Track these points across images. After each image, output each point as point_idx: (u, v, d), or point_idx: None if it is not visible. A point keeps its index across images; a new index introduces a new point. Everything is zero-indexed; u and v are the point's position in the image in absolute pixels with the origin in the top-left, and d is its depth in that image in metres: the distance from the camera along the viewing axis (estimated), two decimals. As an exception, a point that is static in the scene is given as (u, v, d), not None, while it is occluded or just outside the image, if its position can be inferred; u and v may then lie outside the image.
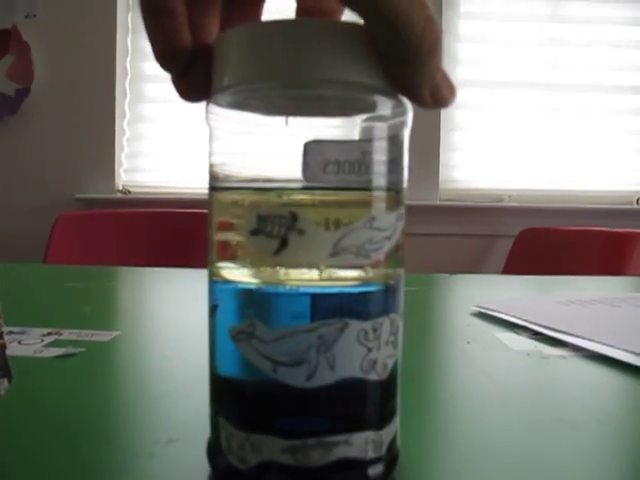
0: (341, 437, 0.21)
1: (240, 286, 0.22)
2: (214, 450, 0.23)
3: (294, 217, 0.20)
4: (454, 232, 1.84)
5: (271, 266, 0.21)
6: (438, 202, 1.84)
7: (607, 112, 1.91)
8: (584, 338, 0.44)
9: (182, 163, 1.90)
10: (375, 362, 0.22)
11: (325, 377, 0.21)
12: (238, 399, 0.23)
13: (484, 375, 0.37)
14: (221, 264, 0.23)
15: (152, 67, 1.92)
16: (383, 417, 0.23)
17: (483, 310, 0.56)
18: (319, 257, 0.21)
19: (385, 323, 0.22)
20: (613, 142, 1.92)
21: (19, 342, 0.43)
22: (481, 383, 0.36)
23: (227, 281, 0.23)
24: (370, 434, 0.22)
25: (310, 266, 0.21)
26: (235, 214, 0.22)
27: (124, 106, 1.96)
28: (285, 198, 0.21)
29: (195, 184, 1.87)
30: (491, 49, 1.89)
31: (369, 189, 0.22)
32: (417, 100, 0.22)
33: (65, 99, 1.93)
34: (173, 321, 0.54)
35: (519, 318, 0.51)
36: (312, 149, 0.21)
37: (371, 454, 0.22)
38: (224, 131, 0.23)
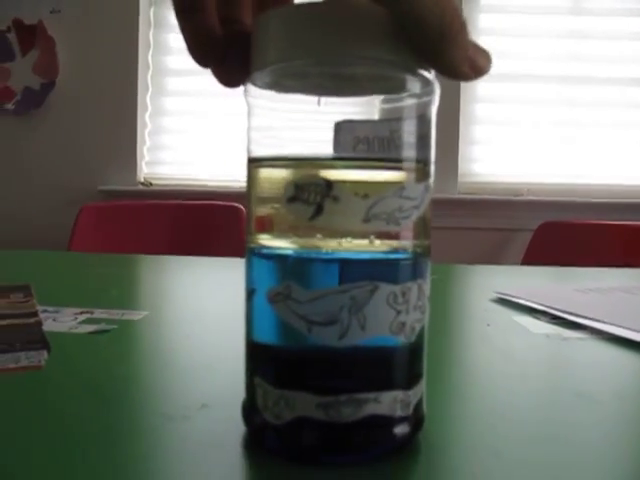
0: (371, 395, 0.22)
1: (277, 252, 0.23)
2: (249, 409, 0.25)
3: (329, 185, 0.22)
4: (473, 226, 1.84)
5: (307, 232, 0.22)
6: (457, 195, 1.84)
7: (628, 105, 1.89)
8: (602, 322, 0.45)
9: (203, 156, 1.92)
10: (404, 325, 0.23)
11: (356, 336, 0.22)
12: (274, 359, 0.24)
13: (503, 354, 0.38)
14: (259, 235, 0.24)
15: (174, 61, 1.95)
16: (411, 378, 0.24)
17: (502, 296, 0.57)
18: (352, 223, 0.22)
19: (413, 288, 0.23)
20: (634, 135, 1.90)
21: (54, 319, 0.45)
22: (501, 361, 0.37)
23: (264, 247, 0.24)
24: (398, 394, 0.23)
25: (344, 231, 0.22)
26: (273, 185, 0.23)
27: (146, 99, 1.98)
28: (321, 168, 0.22)
29: (216, 176, 1.89)
30: (511, 42, 1.88)
31: (399, 160, 0.23)
32: (459, 76, 0.23)
33: (88, 93, 1.96)
34: (200, 303, 0.55)
35: (538, 303, 0.52)
36: (343, 128, 0.22)
37: (399, 413, 0.23)
38: (261, 108, 0.24)
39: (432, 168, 0.24)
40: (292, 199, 0.22)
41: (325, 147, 0.23)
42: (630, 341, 0.41)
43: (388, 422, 0.23)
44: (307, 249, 0.23)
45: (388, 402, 0.23)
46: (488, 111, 1.90)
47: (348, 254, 0.23)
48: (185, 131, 1.96)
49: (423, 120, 0.24)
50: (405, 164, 0.23)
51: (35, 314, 0.47)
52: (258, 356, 0.25)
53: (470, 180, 1.89)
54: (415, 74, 0.23)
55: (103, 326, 0.43)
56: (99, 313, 0.47)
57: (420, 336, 0.24)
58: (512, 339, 0.42)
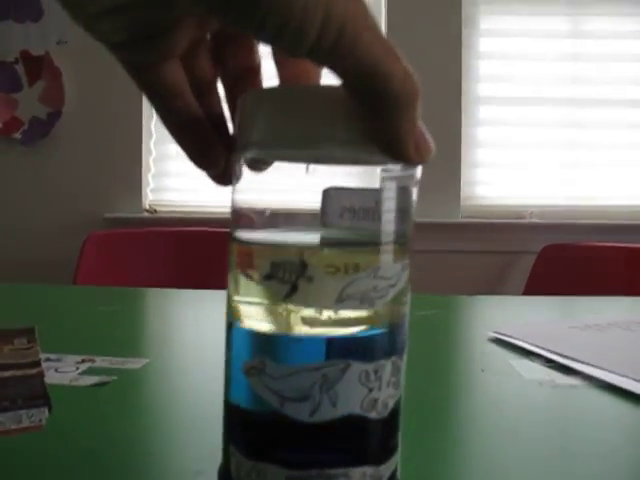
0: (340, 470, 0.23)
1: (253, 328, 0.24)
2: (224, 476, 0.25)
3: (304, 265, 0.22)
4: (476, 249, 1.85)
5: (282, 309, 0.23)
6: (460, 219, 1.85)
7: (629, 126, 1.90)
8: (596, 367, 0.45)
9: (207, 182, 1.94)
10: (376, 401, 0.23)
11: (327, 413, 0.22)
12: (247, 429, 0.24)
13: (495, 406, 0.39)
14: (237, 307, 0.25)
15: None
16: (383, 453, 0.24)
17: (500, 336, 0.57)
18: (326, 302, 0.22)
19: (387, 365, 0.23)
20: (637, 156, 1.91)
21: (56, 370, 0.46)
22: (491, 414, 0.37)
23: (242, 322, 0.24)
24: (368, 469, 0.23)
25: (317, 311, 0.22)
26: (251, 261, 0.24)
27: (151, 126, 2.01)
28: (297, 247, 0.23)
29: (220, 203, 1.91)
30: (511, 65, 1.90)
31: (376, 243, 0.23)
32: (402, 154, 0.22)
33: (94, 121, 1.98)
34: (201, 347, 0.56)
35: (533, 345, 0.53)
36: (330, 195, 0.23)
37: None
38: (247, 182, 0.25)
39: (411, 245, 0.25)
40: (268, 277, 0.23)
41: (308, 219, 0.24)
42: (622, 389, 0.41)
43: None
44: (282, 326, 0.23)
45: (357, 478, 0.23)
46: (490, 134, 1.91)
47: (322, 333, 0.23)
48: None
49: (404, 194, 0.24)
50: (382, 245, 0.23)
51: (38, 363, 0.48)
52: (233, 422, 0.25)
53: (473, 203, 1.90)
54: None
55: (104, 378, 0.44)
56: (100, 361, 0.48)
57: (394, 410, 0.24)
58: (505, 387, 0.43)
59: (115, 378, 0.44)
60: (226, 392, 0.25)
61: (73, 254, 1.67)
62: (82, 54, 1.97)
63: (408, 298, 0.25)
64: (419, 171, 0.24)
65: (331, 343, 0.23)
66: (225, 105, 0.29)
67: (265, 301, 0.23)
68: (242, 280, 0.24)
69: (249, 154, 0.24)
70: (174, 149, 2.00)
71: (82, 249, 1.69)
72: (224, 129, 0.29)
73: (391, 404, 0.24)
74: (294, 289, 0.22)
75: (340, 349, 0.23)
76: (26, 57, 1.98)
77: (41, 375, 0.47)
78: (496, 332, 0.58)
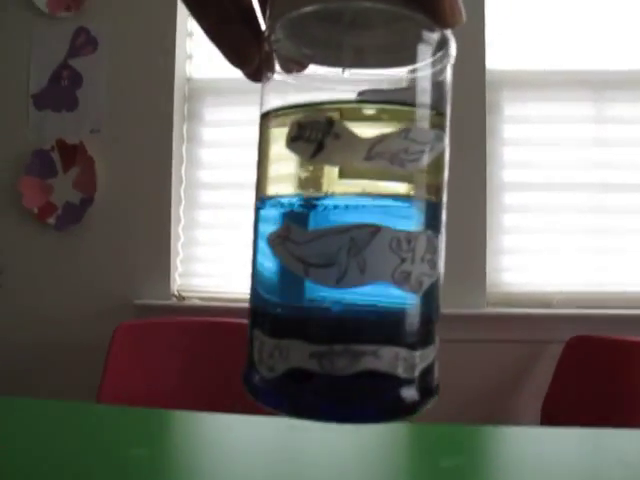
0: (369, 347, 0.21)
1: (278, 194, 0.23)
2: (248, 369, 0.23)
3: (330, 122, 0.21)
4: (501, 338, 1.83)
5: (308, 170, 0.22)
6: (485, 310, 1.84)
7: (658, 211, 1.88)
8: None
9: (236, 268, 1.97)
10: (409, 275, 0.21)
11: (355, 280, 0.21)
12: (271, 307, 0.23)
13: None
14: (264, 186, 0.23)
15: (205, 175, 2.02)
16: (417, 337, 0.22)
17: None
18: (353, 160, 0.21)
19: (421, 238, 0.22)
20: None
21: None
22: None
23: (268, 196, 0.23)
24: (401, 351, 0.21)
25: (345, 170, 0.21)
26: (278, 133, 0.23)
27: (179, 212, 2.06)
28: (324, 105, 0.22)
29: (245, 288, 1.93)
30: (535, 152, 1.91)
31: (409, 103, 0.22)
32: (438, 10, 0.22)
33: (124, 207, 2.04)
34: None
35: None
36: (366, 95, 0.22)
37: (402, 373, 0.21)
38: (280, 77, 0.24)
39: (447, 121, 0.23)
40: (295, 138, 0.22)
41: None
42: None
43: (390, 380, 0.21)
44: (308, 188, 0.22)
45: (388, 358, 0.21)
46: (515, 220, 1.91)
47: (350, 195, 0.22)
48: (218, 243, 2.02)
49: (439, 72, 0.23)
50: (414, 108, 0.22)
51: None
52: (258, 306, 0.24)
53: (499, 290, 1.89)
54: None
55: None
56: None
57: (429, 294, 0.22)
58: None
59: None
60: (252, 283, 0.24)
61: (102, 339, 1.70)
62: (114, 143, 2.04)
63: (445, 177, 0.23)
64: (453, 47, 0.24)
65: (359, 204, 0.22)
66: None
67: (292, 164, 0.22)
68: (270, 149, 0.23)
69: (282, 22, 0.23)
70: (202, 234, 2.04)
71: (112, 340, 1.73)
72: (256, 24, 0.28)
73: (426, 283, 0.22)
74: (320, 147, 0.21)
75: (369, 211, 0.22)
76: (61, 145, 2.05)
77: None
78: None
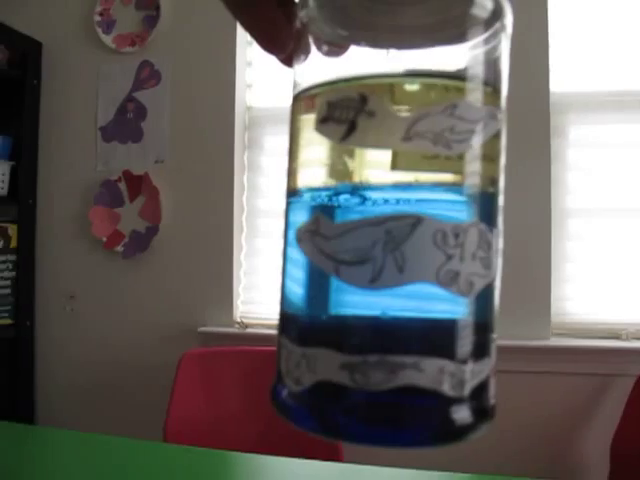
0: (409, 359, 0.17)
1: (307, 185, 0.20)
2: (277, 380, 0.20)
3: (363, 99, 0.18)
4: (567, 370, 1.78)
5: (340, 158, 0.19)
6: (550, 342, 1.79)
7: None
8: None
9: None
10: (457, 275, 0.18)
11: (392, 280, 0.17)
12: (299, 311, 0.20)
13: None
14: (293, 177, 0.21)
15: (266, 203, 2.04)
16: (467, 348, 0.18)
17: None
18: (390, 141, 0.18)
19: (471, 232, 0.18)
20: None
21: None
22: None
23: (296, 189, 0.21)
24: (447, 364, 0.18)
25: (380, 152, 0.18)
26: (310, 109, 0.20)
27: (241, 240, 2.09)
28: (356, 80, 0.19)
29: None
30: (601, 177, 1.85)
31: (455, 76, 0.19)
32: None
33: (188, 235, 2.09)
34: None
35: None
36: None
37: (449, 390, 0.18)
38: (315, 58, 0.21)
39: (502, 97, 0.20)
40: (324, 119, 0.19)
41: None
42: None
43: (436, 398, 0.17)
44: (338, 175, 0.19)
45: (432, 372, 0.17)
46: (581, 248, 1.86)
47: (386, 182, 0.19)
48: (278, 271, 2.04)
49: (493, 46, 0.20)
50: (462, 81, 0.19)
51: None
52: (284, 310, 0.21)
53: (564, 320, 1.84)
54: None
55: None
56: None
57: (484, 297, 0.19)
58: None
59: None
60: (281, 285, 0.21)
61: (166, 365, 1.74)
62: (177, 172, 2.10)
63: (501, 161, 0.20)
64: (510, 18, 0.21)
65: (397, 192, 0.18)
66: None
67: (321, 149, 0.20)
68: (299, 135, 0.20)
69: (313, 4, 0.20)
70: (262, 262, 2.07)
71: (178, 368, 1.77)
72: (292, 5, 0.25)
73: (478, 285, 0.18)
74: (352, 128, 0.19)
75: (409, 200, 0.18)
76: (128, 176, 2.13)
77: None
78: None
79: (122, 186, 2.15)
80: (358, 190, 0.19)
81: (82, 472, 0.76)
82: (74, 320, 2.20)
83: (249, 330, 2.01)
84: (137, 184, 2.13)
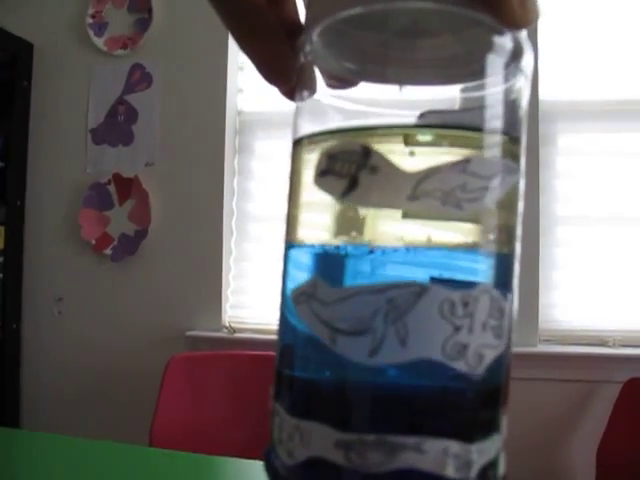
0: (410, 440, 0.16)
1: (305, 242, 0.20)
2: (270, 447, 0.19)
3: (366, 152, 0.17)
4: (554, 377, 1.79)
5: (338, 212, 0.18)
6: (537, 349, 1.80)
7: None
8: None
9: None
10: (465, 348, 0.17)
11: (394, 354, 0.16)
12: (291, 377, 0.19)
13: None
14: (291, 228, 0.20)
15: (255, 207, 2.04)
16: (474, 426, 0.17)
17: None
18: (395, 200, 0.17)
19: (482, 299, 0.17)
20: None
21: None
22: None
23: (293, 242, 0.20)
24: (452, 445, 0.16)
25: (383, 211, 0.17)
26: (310, 162, 0.19)
27: (230, 244, 2.09)
28: (358, 132, 0.18)
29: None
30: (589, 184, 1.86)
31: (468, 127, 0.18)
32: (504, 8, 0.18)
33: (178, 239, 2.09)
34: None
35: None
36: (427, 118, 0.18)
37: (453, 473, 0.16)
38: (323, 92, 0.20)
39: (520, 147, 0.18)
40: (323, 173, 0.18)
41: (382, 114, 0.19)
42: None
43: None
44: (338, 235, 0.18)
45: (435, 454, 0.16)
46: (569, 255, 1.87)
47: (389, 244, 0.17)
48: (267, 275, 2.04)
49: (511, 88, 0.20)
50: (475, 132, 0.17)
51: None
52: (279, 372, 0.20)
53: (551, 327, 1.85)
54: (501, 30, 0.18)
55: None
56: None
57: (493, 371, 0.17)
58: None
59: None
60: (278, 345, 0.20)
61: (154, 368, 1.73)
62: (167, 176, 2.10)
63: (517, 220, 0.19)
64: (530, 58, 0.20)
65: (401, 257, 0.17)
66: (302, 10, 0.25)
67: (320, 204, 0.18)
68: (297, 184, 0.19)
69: (320, 26, 0.19)
70: (252, 266, 2.07)
71: (165, 371, 1.77)
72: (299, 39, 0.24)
73: (489, 357, 0.17)
74: (354, 184, 0.17)
75: (414, 266, 0.17)
76: (118, 179, 2.12)
77: None
78: None
79: (112, 189, 2.14)
80: (358, 252, 0.18)
81: (68, 476, 0.75)
82: (61, 323, 2.18)
83: (237, 335, 2.01)
84: (127, 187, 2.12)
